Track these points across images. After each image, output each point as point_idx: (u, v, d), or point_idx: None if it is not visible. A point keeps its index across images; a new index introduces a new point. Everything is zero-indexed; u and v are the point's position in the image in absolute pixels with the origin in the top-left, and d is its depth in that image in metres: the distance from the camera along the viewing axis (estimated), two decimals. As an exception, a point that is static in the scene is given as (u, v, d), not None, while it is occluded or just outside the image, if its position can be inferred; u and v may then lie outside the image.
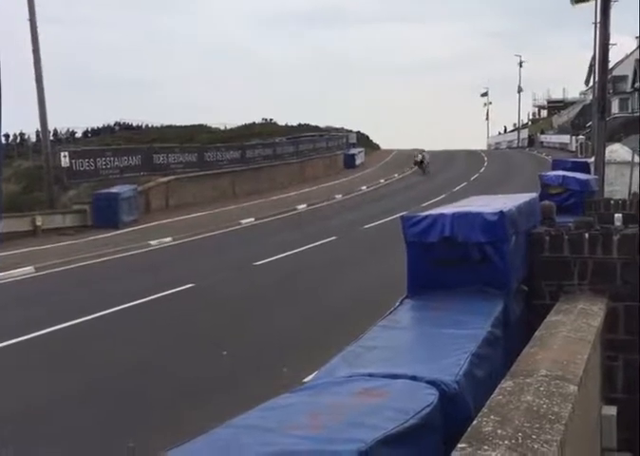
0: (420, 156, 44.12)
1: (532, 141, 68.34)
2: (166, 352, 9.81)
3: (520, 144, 70.68)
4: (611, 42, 17.59)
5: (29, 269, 16.76)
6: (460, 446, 2.16)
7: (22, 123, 36.71)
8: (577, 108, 65.45)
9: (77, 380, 8.76)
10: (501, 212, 4.38)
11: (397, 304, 4.31)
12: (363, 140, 59.79)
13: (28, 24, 24.94)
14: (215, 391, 8.07)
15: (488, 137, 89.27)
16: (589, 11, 36.22)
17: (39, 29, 25.08)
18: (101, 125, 45.00)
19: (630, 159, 18.66)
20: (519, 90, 74.86)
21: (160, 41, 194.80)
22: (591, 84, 48.91)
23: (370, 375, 2.84)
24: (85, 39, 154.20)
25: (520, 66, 75.24)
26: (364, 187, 36.56)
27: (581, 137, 48.17)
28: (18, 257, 18.08)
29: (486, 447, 2.13)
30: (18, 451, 6.43)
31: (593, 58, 37.84)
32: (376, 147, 63.62)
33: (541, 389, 2.72)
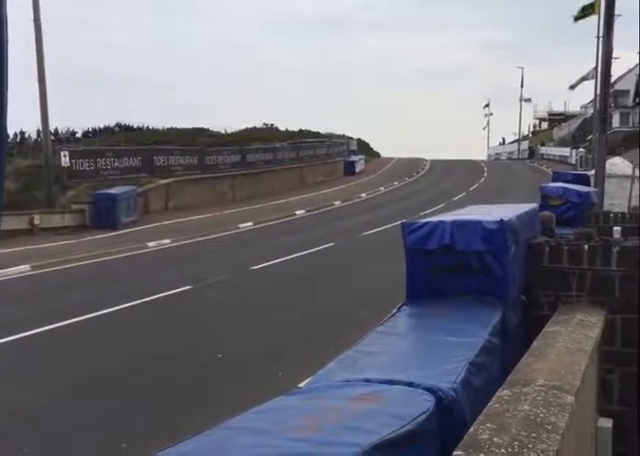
0: None
1: (532, 152, 68.41)
2: (158, 355, 9.77)
3: (520, 156, 70.76)
4: (613, 55, 17.56)
5: (26, 267, 16.73)
6: (455, 453, 2.14)
7: (22, 121, 36.69)
8: (578, 121, 65.57)
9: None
10: (502, 221, 4.36)
11: (395, 311, 4.29)
12: (363, 147, 59.90)
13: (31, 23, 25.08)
14: (206, 399, 8.03)
15: (488, 147, 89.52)
16: (591, 25, 36.44)
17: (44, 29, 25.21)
18: (102, 126, 45.04)
19: (630, 172, 18.67)
20: (522, 99, 74.78)
21: (164, 43, 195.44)
22: (575, 90, 49.34)
23: (367, 381, 2.82)
24: (89, 40, 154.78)
25: (522, 77, 75.46)
26: (363, 194, 36.58)
27: (581, 150, 48.22)
28: (14, 256, 18.05)
29: (482, 455, 2.12)
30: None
31: (594, 70, 37.91)
32: (376, 155, 63.71)
33: (538, 398, 2.70)
